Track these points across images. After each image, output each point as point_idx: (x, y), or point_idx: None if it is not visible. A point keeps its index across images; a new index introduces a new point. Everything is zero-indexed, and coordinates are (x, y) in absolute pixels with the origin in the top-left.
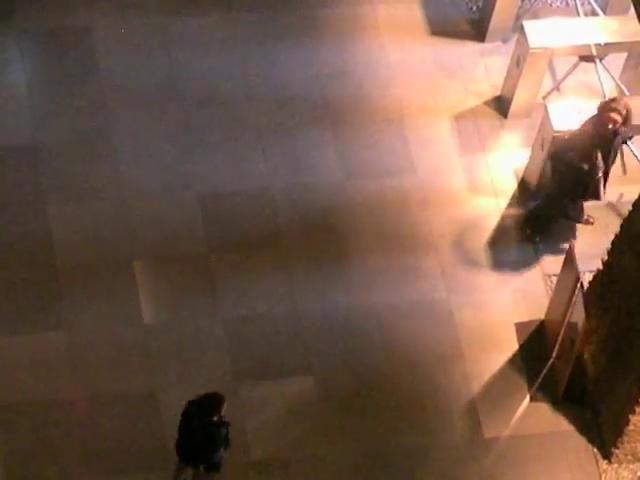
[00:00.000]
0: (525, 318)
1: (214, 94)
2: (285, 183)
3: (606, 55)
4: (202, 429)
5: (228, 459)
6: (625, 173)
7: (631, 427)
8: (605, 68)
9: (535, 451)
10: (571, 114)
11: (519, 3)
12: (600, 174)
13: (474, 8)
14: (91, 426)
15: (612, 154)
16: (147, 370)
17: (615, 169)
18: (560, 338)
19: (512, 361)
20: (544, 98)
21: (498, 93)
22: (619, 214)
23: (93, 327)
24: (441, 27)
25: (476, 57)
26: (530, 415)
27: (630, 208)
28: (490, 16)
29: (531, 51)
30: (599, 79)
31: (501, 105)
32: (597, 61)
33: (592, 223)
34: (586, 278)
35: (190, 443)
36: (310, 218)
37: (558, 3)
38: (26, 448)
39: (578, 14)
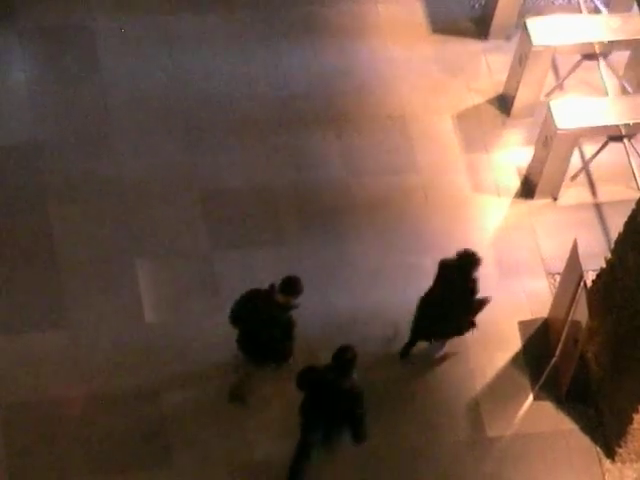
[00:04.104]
0: (528, 317)
1: (216, 93)
2: (288, 181)
3: (609, 53)
4: (278, 319)
5: (229, 458)
6: None
7: (635, 426)
8: (608, 66)
9: (538, 450)
10: (574, 112)
11: (522, 1)
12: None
13: (476, 6)
14: (92, 425)
15: None
16: (148, 369)
17: (615, 169)
18: (563, 337)
19: (515, 360)
20: (547, 96)
21: (501, 91)
22: (623, 213)
23: (94, 326)
24: (443, 25)
25: (478, 55)
26: (533, 414)
27: (633, 207)
28: (493, 14)
29: (534, 49)
30: (602, 77)
31: (504, 103)
32: (600, 59)
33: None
34: (589, 277)
35: (262, 336)
36: (312, 216)
37: (561, 1)
38: (27, 447)
39: (581, 12)
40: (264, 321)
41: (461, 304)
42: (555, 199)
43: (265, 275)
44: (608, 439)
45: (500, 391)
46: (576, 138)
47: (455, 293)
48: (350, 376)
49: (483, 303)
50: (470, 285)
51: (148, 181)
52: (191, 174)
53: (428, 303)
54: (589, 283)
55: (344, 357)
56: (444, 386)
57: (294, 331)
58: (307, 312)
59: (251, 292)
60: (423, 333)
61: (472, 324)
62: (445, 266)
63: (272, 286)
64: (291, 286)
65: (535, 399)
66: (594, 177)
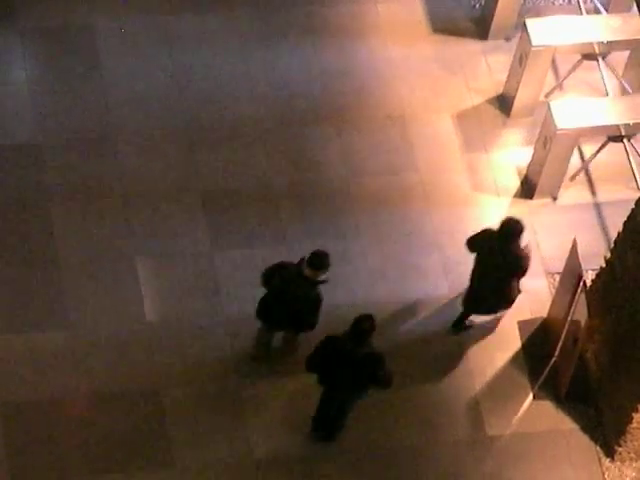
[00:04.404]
0: (528, 316)
1: (216, 92)
2: (288, 181)
3: (609, 53)
4: (305, 288)
5: (231, 458)
6: None
7: (634, 425)
8: (608, 66)
9: (538, 449)
10: (574, 112)
11: (522, 1)
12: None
13: (476, 6)
14: (93, 424)
15: None
16: (149, 368)
17: (615, 169)
18: (563, 336)
19: (515, 359)
20: (547, 96)
21: (501, 91)
22: (622, 213)
23: (95, 325)
24: (443, 25)
25: (478, 55)
26: (533, 413)
27: (633, 206)
28: (492, 14)
29: (534, 49)
30: (602, 77)
31: (504, 103)
32: (600, 59)
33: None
34: (589, 276)
35: (289, 306)
36: (312, 216)
37: (560, 1)
38: (28, 446)
39: (581, 12)
40: (292, 294)
41: (506, 274)
42: (555, 199)
43: None
44: (608, 438)
45: (500, 390)
46: (576, 138)
47: (500, 264)
48: (367, 344)
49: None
50: (516, 255)
51: (148, 180)
52: (191, 173)
53: (477, 276)
54: (589, 283)
55: (361, 327)
56: (444, 385)
57: (321, 306)
58: None
59: (281, 264)
60: (473, 306)
61: (518, 291)
62: (488, 237)
63: (302, 260)
64: (318, 260)
65: (535, 398)
66: (593, 177)
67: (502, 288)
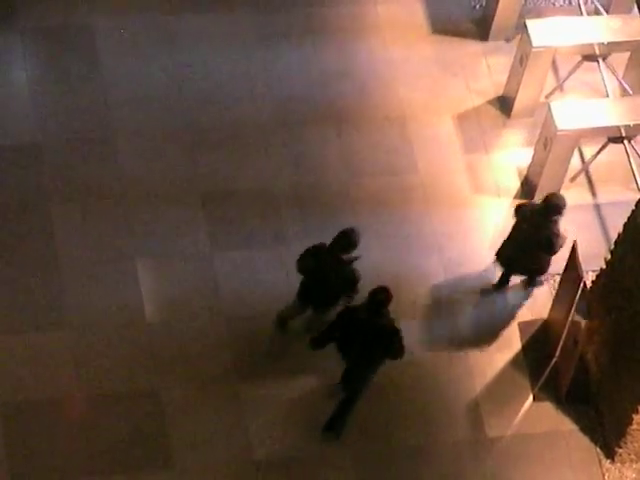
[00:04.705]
0: (528, 317)
1: (216, 93)
2: (288, 182)
3: (609, 54)
4: (339, 268)
5: (230, 459)
6: None
7: (634, 426)
8: (608, 67)
9: (538, 450)
10: (574, 113)
11: (522, 2)
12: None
13: (477, 7)
14: (93, 425)
15: None
16: (149, 369)
17: (615, 170)
18: (563, 338)
19: (515, 360)
20: (547, 97)
21: (501, 92)
22: (622, 214)
23: (95, 326)
24: (443, 26)
25: (479, 56)
26: (533, 414)
27: (633, 207)
28: (493, 15)
29: (534, 50)
30: (602, 78)
31: (504, 104)
32: (600, 60)
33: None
34: (589, 278)
35: (327, 288)
36: (312, 217)
37: (561, 2)
38: (28, 447)
39: (581, 13)
40: (327, 276)
41: (537, 248)
42: None
43: (265, 276)
44: (608, 439)
45: (500, 391)
46: (576, 139)
47: (532, 236)
48: (383, 315)
49: (561, 245)
50: (550, 232)
51: (148, 181)
52: (191, 174)
53: (511, 241)
54: (589, 284)
55: (376, 298)
56: (444, 386)
57: (357, 281)
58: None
59: (313, 248)
60: (511, 267)
61: (548, 265)
62: (532, 208)
63: (333, 241)
64: (346, 240)
65: (535, 399)
66: (594, 178)
67: (531, 258)
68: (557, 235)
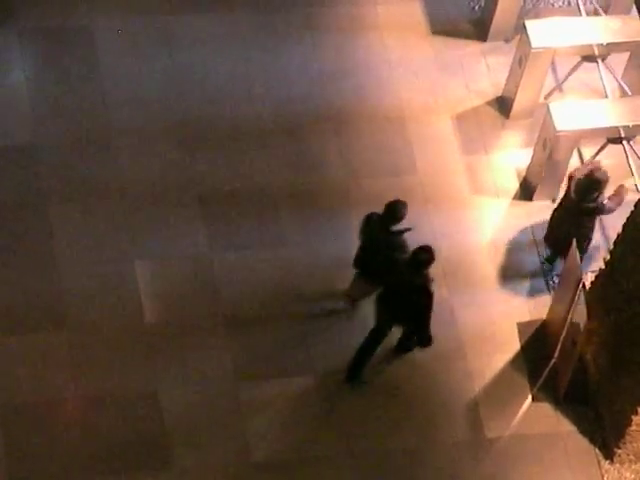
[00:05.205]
0: (527, 318)
1: (215, 93)
2: (286, 182)
3: (608, 55)
4: (388, 239)
5: (229, 460)
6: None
7: (633, 427)
8: (607, 68)
9: (537, 451)
10: (573, 114)
11: (521, 3)
12: None
13: (476, 7)
14: (91, 426)
15: None
16: (148, 370)
17: (614, 171)
18: (562, 338)
19: (514, 361)
20: (546, 98)
21: (500, 93)
22: (621, 214)
23: (94, 326)
24: (442, 26)
25: (478, 57)
26: (532, 415)
27: (632, 208)
28: (492, 15)
29: (533, 51)
30: (601, 79)
31: (503, 105)
32: (599, 61)
33: None
34: (588, 278)
35: (378, 256)
36: (311, 217)
37: (560, 3)
38: (26, 448)
39: (580, 14)
40: (378, 245)
41: (584, 220)
42: (554, 201)
43: (264, 276)
44: (607, 440)
45: (499, 392)
46: (575, 140)
47: (578, 210)
48: (422, 276)
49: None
50: (595, 204)
51: (147, 182)
52: (190, 174)
53: (557, 216)
54: (588, 285)
55: (417, 257)
56: (442, 387)
57: (407, 251)
58: (307, 313)
59: (369, 216)
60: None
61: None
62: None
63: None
64: (391, 214)
65: (534, 400)
66: None
67: (577, 229)
68: (597, 208)
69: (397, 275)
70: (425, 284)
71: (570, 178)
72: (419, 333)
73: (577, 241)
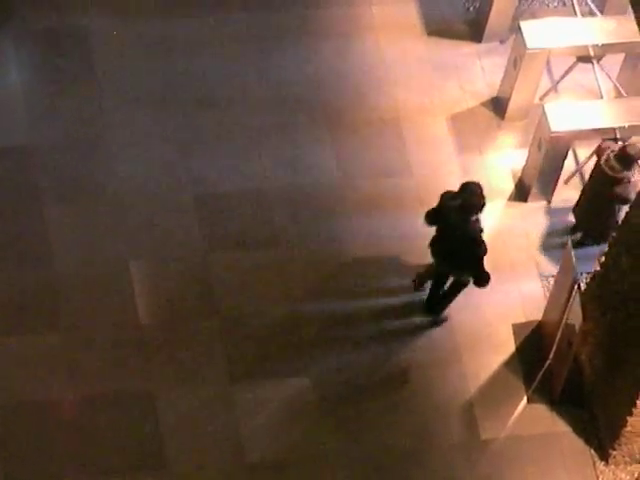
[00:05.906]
0: (522, 319)
1: (211, 95)
2: (282, 183)
3: (604, 56)
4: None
5: (224, 461)
6: None
7: (628, 428)
8: (602, 69)
9: (532, 453)
10: (568, 115)
11: (516, 3)
12: None
13: (471, 8)
14: (88, 427)
15: None
16: (144, 371)
17: None
18: (557, 340)
19: (509, 362)
20: (541, 99)
21: (495, 94)
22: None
23: (89, 328)
24: (438, 27)
25: (473, 57)
26: (527, 416)
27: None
28: (487, 16)
29: (528, 52)
30: (596, 80)
31: (498, 106)
32: (594, 62)
33: None
34: (583, 280)
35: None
36: (307, 219)
37: (555, 3)
38: (22, 449)
39: (576, 14)
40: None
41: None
42: (549, 202)
43: (260, 277)
44: (602, 441)
45: (494, 394)
46: (570, 141)
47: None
48: (470, 222)
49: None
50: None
51: (143, 183)
52: (186, 176)
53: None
54: (583, 286)
55: (466, 201)
56: (437, 389)
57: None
58: (302, 314)
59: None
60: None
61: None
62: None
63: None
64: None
65: (529, 402)
66: None
67: (605, 216)
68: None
69: (449, 226)
70: (477, 236)
71: (599, 149)
72: (476, 276)
73: (606, 229)
